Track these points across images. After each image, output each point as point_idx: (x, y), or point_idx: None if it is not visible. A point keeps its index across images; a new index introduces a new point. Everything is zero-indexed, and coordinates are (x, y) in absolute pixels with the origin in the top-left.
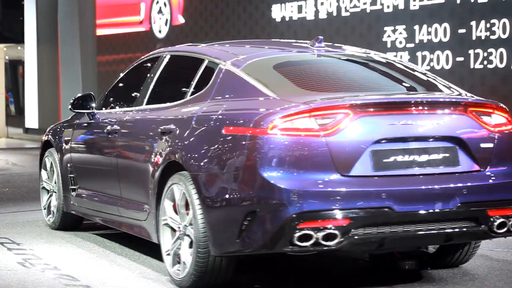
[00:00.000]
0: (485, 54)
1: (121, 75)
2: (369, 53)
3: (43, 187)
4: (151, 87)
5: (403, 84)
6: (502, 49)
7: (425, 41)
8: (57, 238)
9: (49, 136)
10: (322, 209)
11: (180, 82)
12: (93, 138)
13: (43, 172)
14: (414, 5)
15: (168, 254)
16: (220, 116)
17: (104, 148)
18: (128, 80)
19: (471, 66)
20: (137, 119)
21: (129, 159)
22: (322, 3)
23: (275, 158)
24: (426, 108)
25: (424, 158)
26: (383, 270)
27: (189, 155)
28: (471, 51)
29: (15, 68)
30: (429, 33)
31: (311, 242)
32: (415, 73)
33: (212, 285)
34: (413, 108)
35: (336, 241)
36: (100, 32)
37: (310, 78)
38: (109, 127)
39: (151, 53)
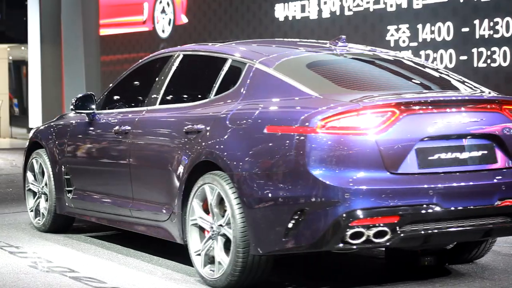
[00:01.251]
0: (489, 53)
1: (123, 75)
2: (391, 53)
3: (29, 189)
4: (164, 86)
5: (435, 82)
6: (505, 48)
7: (428, 40)
8: (61, 240)
9: (38, 137)
10: (374, 207)
11: (199, 81)
12: (96, 139)
13: (28, 173)
14: (417, 4)
15: (199, 255)
16: (260, 115)
17: (112, 149)
18: (133, 80)
19: (475, 65)
20: (153, 119)
21: (144, 159)
22: (325, 3)
23: (326, 156)
24: (466, 106)
25: (464, 155)
26: (400, 267)
27: (226, 154)
28: (474, 50)
29: (18, 68)
30: (432, 32)
31: (362, 239)
32: (440, 72)
33: (248, 284)
34: (454, 106)
35: (386, 238)
36: (103, 32)
37: (345, 77)
38: (117, 127)
39: (157, 53)
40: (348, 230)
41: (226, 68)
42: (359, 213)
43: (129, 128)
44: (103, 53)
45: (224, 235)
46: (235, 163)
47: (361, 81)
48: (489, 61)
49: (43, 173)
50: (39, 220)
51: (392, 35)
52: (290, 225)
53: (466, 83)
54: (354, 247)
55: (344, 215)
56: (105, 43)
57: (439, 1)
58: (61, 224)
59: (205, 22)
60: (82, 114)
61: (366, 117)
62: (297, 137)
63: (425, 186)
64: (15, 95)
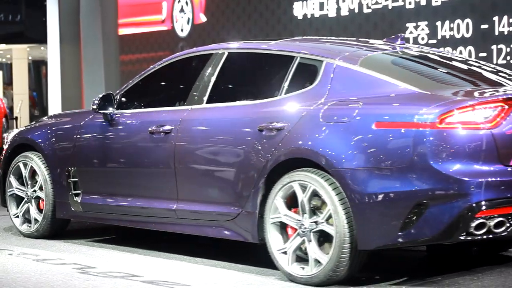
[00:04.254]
0: (508, 50)
1: (143, 74)
2: (441, 50)
3: (12, 194)
4: (211, 85)
5: (503, 77)
6: None
7: (447, 37)
8: (77, 244)
9: (30, 139)
10: (495, 198)
11: (259, 79)
12: (121, 139)
13: (12, 178)
14: (436, 1)
15: (284, 253)
16: (363, 112)
17: (147, 149)
18: (160, 79)
19: (494, 62)
20: (205, 117)
21: (197, 158)
22: (344, 0)
23: (447, 150)
24: None
25: None
26: (441, 258)
27: (326, 151)
28: (493, 47)
29: (38, 68)
30: (451, 29)
31: (484, 230)
32: (492, 67)
33: (344, 278)
34: None
35: (503, 228)
36: (122, 31)
37: (430, 74)
38: (153, 127)
39: (187, 51)
40: (473, 221)
41: (294, 65)
42: (484, 204)
43: (171, 127)
44: (122, 52)
45: (319, 231)
46: (338, 159)
47: (446, 78)
48: (508, 57)
49: (32, 177)
50: (28, 226)
51: (411, 32)
52: (407, 219)
53: None
54: (477, 237)
55: (471, 206)
56: (124, 43)
57: None
58: (57, 228)
59: (224, 21)
60: (88, 113)
61: (482, 111)
62: (415, 132)
63: None
64: (35, 94)
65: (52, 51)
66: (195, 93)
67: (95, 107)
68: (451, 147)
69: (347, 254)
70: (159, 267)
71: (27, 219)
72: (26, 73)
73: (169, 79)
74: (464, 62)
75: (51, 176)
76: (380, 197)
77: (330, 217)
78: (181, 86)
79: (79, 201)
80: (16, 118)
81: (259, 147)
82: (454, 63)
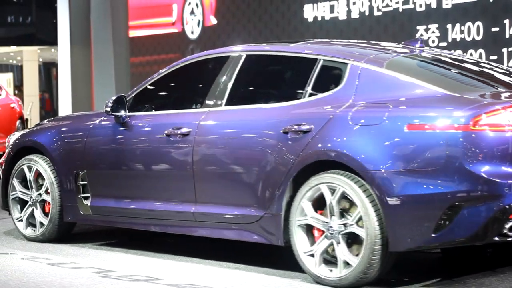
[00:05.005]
0: None
1: (155, 77)
2: (456, 53)
3: (15, 198)
4: (230, 87)
5: None
6: None
7: (458, 39)
8: (90, 248)
9: (34, 142)
10: None
11: (281, 82)
12: (135, 142)
13: (15, 181)
14: (447, 4)
15: (311, 255)
16: (394, 114)
17: (163, 152)
18: (172, 82)
19: (505, 64)
20: (225, 120)
21: (217, 161)
22: (354, 3)
23: (480, 152)
24: None
25: None
26: (456, 261)
27: (356, 153)
28: (504, 50)
29: (48, 70)
30: (462, 32)
31: None
32: (505, 68)
33: (373, 280)
34: None
35: None
36: (132, 33)
37: (455, 76)
38: (170, 130)
39: (201, 54)
40: (507, 222)
41: (318, 68)
42: None
43: (189, 130)
44: (133, 54)
45: (347, 233)
46: (370, 162)
47: (469, 80)
48: None
49: (36, 180)
50: (32, 229)
51: (421, 35)
52: (440, 221)
53: None
54: (509, 239)
55: (504, 208)
56: (134, 45)
57: (468, 1)
58: (64, 232)
59: (234, 23)
60: (97, 116)
61: (509, 114)
62: (448, 134)
63: None
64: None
65: (63, 53)
66: (212, 96)
67: (108, 109)
68: (484, 149)
69: (378, 256)
70: (179, 270)
71: (30, 223)
72: (37, 75)
73: (183, 82)
74: (477, 64)
75: (58, 179)
76: (413, 199)
77: (360, 219)
78: (197, 89)
79: (88, 204)
80: (27, 120)
81: (284, 150)
82: (472, 66)
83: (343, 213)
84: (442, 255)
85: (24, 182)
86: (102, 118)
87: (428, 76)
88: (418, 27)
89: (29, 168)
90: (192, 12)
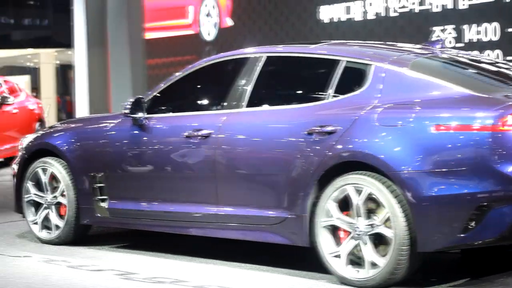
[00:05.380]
0: None
1: (172, 79)
2: (473, 53)
3: (29, 201)
4: (250, 89)
5: None
6: None
7: (474, 40)
8: (106, 250)
9: (50, 144)
10: None
11: (302, 83)
12: (155, 144)
13: (29, 184)
14: (463, 5)
15: (337, 256)
16: (421, 115)
17: (183, 154)
18: (191, 83)
19: None
20: (247, 121)
21: (240, 163)
22: (370, 4)
23: (509, 152)
24: None
25: None
26: (475, 262)
27: (383, 154)
28: None
29: (65, 72)
30: (478, 33)
31: None
32: None
33: (401, 280)
34: None
35: None
36: (148, 35)
37: (481, 77)
38: (190, 131)
39: (222, 55)
40: None
41: (340, 69)
42: None
43: (210, 131)
44: (149, 56)
45: (374, 234)
46: (398, 163)
47: (492, 80)
48: None
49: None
50: (48, 232)
51: (438, 36)
52: (469, 221)
53: None
54: None
55: None
56: (151, 47)
57: (485, 1)
58: (80, 234)
59: (250, 25)
60: (114, 118)
61: None
62: (476, 135)
63: None
64: (62, 99)
65: (79, 55)
66: (233, 97)
67: (127, 111)
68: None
69: (406, 256)
70: (203, 271)
71: (45, 226)
72: (54, 77)
73: (202, 84)
74: (496, 64)
75: (74, 182)
76: (441, 199)
77: (387, 219)
78: (216, 91)
79: (105, 206)
80: (44, 122)
81: (309, 151)
82: (492, 66)
83: (369, 214)
84: (461, 255)
85: (38, 184)
86: (119, 120)
87: (452, 76)
88: (434, 28)
89: (44, 170)
90: (208, 14)
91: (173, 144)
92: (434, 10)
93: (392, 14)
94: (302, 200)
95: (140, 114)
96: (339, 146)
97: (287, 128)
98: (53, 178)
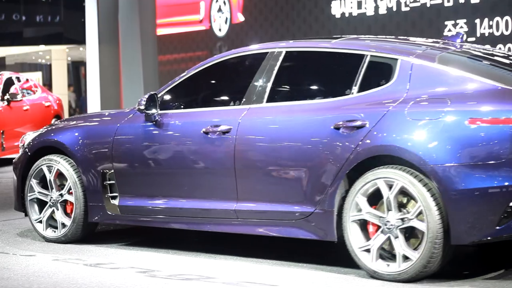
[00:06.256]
0: None
1: (186, 75)
2: (487, 47)
3: (33, 199)
4: (270, 84)
5: None
6: None
7: (486, 34)
8: (124, 248)
9: (57, 141)
10: None
11: (325, 78)
12: (170, 140)
13: (33, 182)
14: None
15: (366, 250)
16: (454, 108)
17: (201, 150)
18: (206, 79)
19: None
20: (272, 116)
21: (262, 158)
22: None
23: None
24: None
25: None
26: (492, 255)
27: (418, 149)
28: None
29: (77, 69)
30: (490, 27)
31: None
32: None
33: (432, 273)
34: None
35: None
36: (160, 31)
37: (507, 70)
38: (208, 127)
39: (238, 50)
40: None
41: (365, 64)
42: None
43: (230, 127)
44: (160, 52)
45: (405, 228)
46: (432, 156)
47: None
48: None
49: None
50: (53, 231)
51: (449, 30)
52: (505, 213)
53: None
54: None
55: None
56: (162, 43)
57: None
58: (87, 232)
59: (262, 21)
60: (124, 114)
61: None
62: (511, 128)
63: None
64: (74, 95)
65: (91, 51)
66: (252, 93)
67: (142, 107)
68: None
69: (439, 249)
70: (226, 268)
71: (50, 224)
72: (66, 73)
73: (218, 79)
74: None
75: (82, 179)
76: (477, 193)
77: (420, 213)
78: (233, 86)
79: (116, 203)
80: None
81: (336, 145)
82: (509, 59)
83: (399, 207)
84: (477, 248)
85: (41, 182)
86: (130, 117)
87: (480, 70)
88: (446, 22)
89: (49, 168)
90: (219, 10)
91: (190, 140)
92: (446, 4)
93: (403, 8)
94: (330, 195)
95: (153, 110)
96: (370, 141)
97: (312, 122)
98: (59, 175)
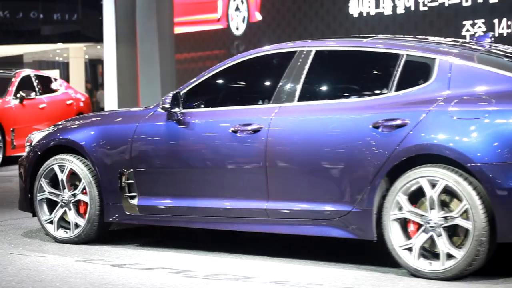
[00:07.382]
0: None
1: (208, 73)
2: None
3: (43, 199)
4: (301, 83)
5: None
6: None
7: (505, 34)
8: (142, 247)
9: (71, 140)
10: None
11: (360, 77)
12: (197, 139)
13: (43, 181)
14: None
15: (407, 249)
16: (497, 107)
17: (229, 149)
18: (231, 77)
19: None
20: (306, 115)
21: (296, 157)
22: None
23: None
24: None
25: None
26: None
27: (464, 147)
28: None
29: (94, 67)
30: (509, 26)
31: None
32: None
33: (474, 272)
34: None
35: None
36: (177, 30)
37: None
38: (236, 126)
39: (263, 49)
40: None
41: (401, 63)
42: None
43: (260, 126)
44: (178, 51)
45: (448, 227)
46: (478, 155)
47: None
48: None
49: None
50: (65, 231)
51: (467, 30)
52: None
53: None
54: None
55: None
56: (180, 41)
57: None
58: (101, 232)
59: (279, 19)
60: (142, 113)
61: None
62: None
63: None
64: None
65: (108, 49)
66: (282, 91)
67: (167, 106)
68: None
69: (484, 248)
70: (263, 268)
71: (61, 225)
72: (83, 71)
73: (244, 78)
74: None
75: (97, 179)
76: None
77: (465, 211)
78: (261, 85)
79: (135, 203)
80: None
81: (375, 144)
82: None
83: (442, 206)
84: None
85: (51, 182)
86: (150, 115)
87: None
88: (464, 22)
89: (61, 167)
90: (237, 9)
91: (217, 139)
92: (464, 4)
93: (421, 8)
94: (369, 194)
95: (177, 109)
96: (412, 140)
97: (349, 121)
98: (71, 175)
